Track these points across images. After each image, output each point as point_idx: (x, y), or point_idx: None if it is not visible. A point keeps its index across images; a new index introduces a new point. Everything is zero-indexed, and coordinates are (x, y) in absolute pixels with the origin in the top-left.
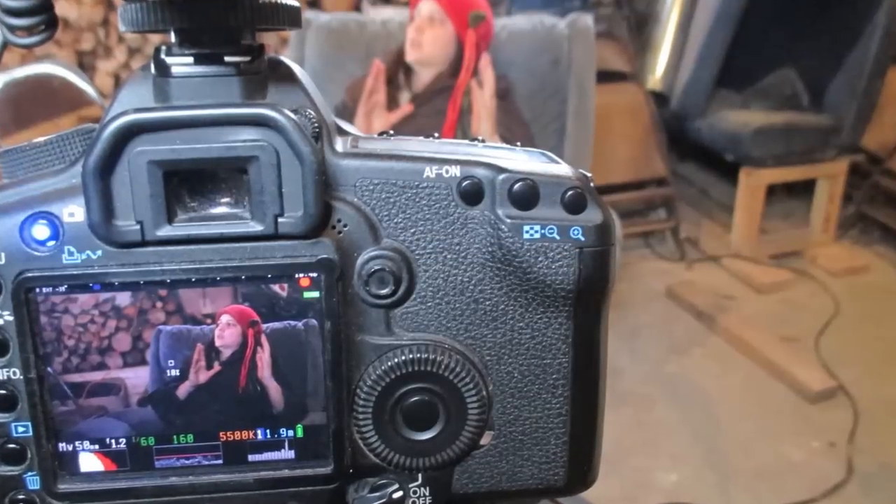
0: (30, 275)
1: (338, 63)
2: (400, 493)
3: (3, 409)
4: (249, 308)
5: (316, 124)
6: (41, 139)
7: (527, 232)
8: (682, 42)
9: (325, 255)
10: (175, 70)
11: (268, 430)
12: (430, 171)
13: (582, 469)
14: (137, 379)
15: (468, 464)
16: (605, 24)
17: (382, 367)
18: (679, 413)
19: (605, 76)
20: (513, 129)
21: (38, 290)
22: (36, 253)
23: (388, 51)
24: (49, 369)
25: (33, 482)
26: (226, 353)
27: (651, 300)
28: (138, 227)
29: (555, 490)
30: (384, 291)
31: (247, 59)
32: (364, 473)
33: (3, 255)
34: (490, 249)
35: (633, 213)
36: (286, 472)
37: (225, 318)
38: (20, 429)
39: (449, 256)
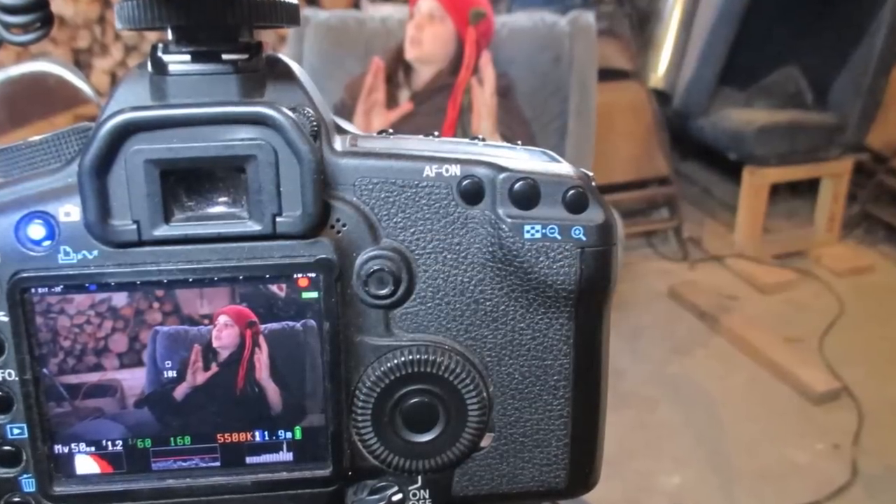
0: (25, 275)
1: (336, 61)
2: (399, 496)
3: None
4: (247, 309)
5: (314, 123)
6: (37, 138)
7: (528, 232)
8: (685, 39)
9: (323, 255)
10: (172, 68)
11: (266, 432)
12: (429, 171)
13: (583, 471)
14: (134, 380)
15: (468, 466)
16: (607, 22)
17: (382, 369)
18: (682, 415)
19: (607, 74)
20: (513, 128)
21: (33, 290)
22: (31, 253)
23: (387, 48)
24: (45, 370)
25: (29, 485)
26: (223, 355)
27: (653, 300)
28: (135, 226)
29: (556, 493)
30: (383, 292)
31: (244, 56)
32: (363, 476)
33: None
34: (490, 249)
35: (635, 213)
36: (284, 475)
37: (222, 319)
38: (15, 430)
39: (449, 256)
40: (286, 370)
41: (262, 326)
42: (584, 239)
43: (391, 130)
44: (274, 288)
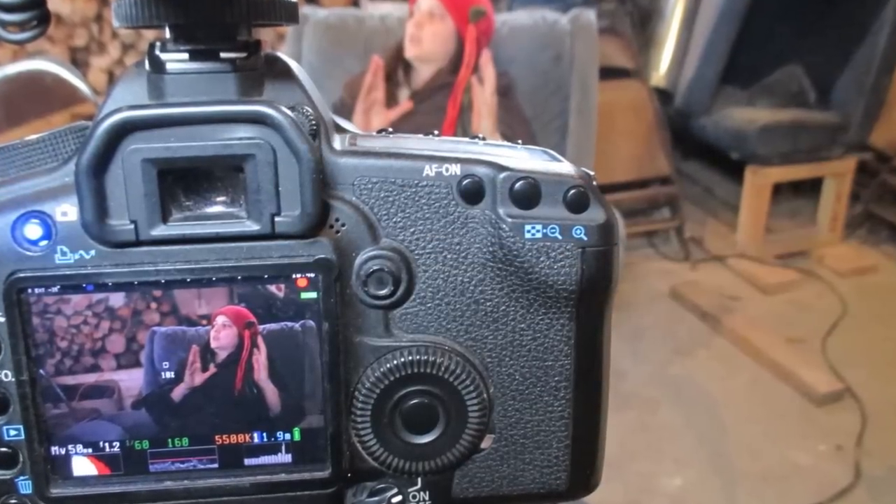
0: (22, 275)
1: (336, 59)
2: (399, 498)
3: None
4: (246, 309)
5: (313, 122)
6: (33, 137)
7: (528, 231)
8: (687, 38)
9: (322, 255)
10: (170, 66)
11: (264, 434)
12: (429, 170)
13: (584, 473)
14: (131, 381)
15: (468, 467)
16: (608, 20)
17: (381, 369)
18: (683, 416)
19: (608, 73)
20: (514, 127)
21: (30, 290)
22: (28, 253)
23: (386, 47)
24: (41, 371)
25: (25, 486)
26: (221, 355)
27: (655, 301)
28: (132, 226)
29: (557, 494)
30: (383, 292)
31: (243, 55)
32: (362, 477)
33: None
34: (491, 249)
35: (636, 213)
36: (283, 477)
37: (221, 320)
38: (12, 432)
39: (449, 256)
40: (285, 371)
41: (261, 327)
42: (585, 239)
43: (391, 129)
44: (272, 288)
